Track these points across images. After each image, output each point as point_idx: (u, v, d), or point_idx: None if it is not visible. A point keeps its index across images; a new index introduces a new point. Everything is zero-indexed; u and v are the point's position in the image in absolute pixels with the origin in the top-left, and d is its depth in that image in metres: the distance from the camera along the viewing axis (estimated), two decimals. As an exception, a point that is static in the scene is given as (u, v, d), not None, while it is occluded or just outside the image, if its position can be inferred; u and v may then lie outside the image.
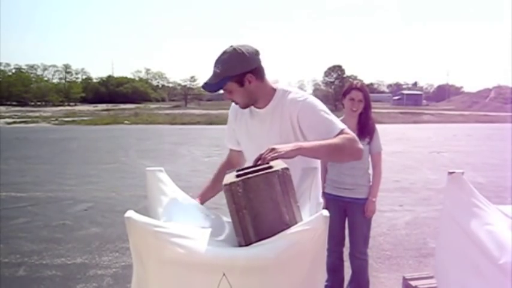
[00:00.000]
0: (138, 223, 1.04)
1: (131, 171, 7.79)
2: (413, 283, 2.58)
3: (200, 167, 8.16)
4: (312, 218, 1.09)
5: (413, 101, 61.57)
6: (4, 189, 6.20)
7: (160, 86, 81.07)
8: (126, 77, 72.12)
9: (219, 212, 1.52)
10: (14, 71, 58.17)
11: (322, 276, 1.37)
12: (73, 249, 3.85)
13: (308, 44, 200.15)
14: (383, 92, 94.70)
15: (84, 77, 67.63)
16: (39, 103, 49.02)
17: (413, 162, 9.05)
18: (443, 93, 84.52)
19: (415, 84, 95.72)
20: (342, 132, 1.49)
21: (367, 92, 2.62)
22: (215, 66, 1.50)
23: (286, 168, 1.14)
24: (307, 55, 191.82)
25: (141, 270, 1.12)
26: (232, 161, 1.89)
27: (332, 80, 41.96)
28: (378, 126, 2.70)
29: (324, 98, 40.71)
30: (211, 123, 21.44)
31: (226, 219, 1.36)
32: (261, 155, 1.31)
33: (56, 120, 23.21)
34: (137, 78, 76.88)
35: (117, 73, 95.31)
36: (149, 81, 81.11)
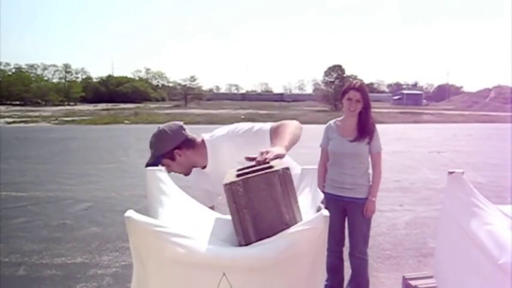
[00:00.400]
0: (138, 223, 1.04)
1: (131, 170, 7.79)
2: (413, 283, 2.59)
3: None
4: (312, 217, 1.09)
5: (413, 101, 61.52)
6: (4, 188, 6.20)
7: (160, 85, 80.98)
8: (126, 77, 71.99)
9: (218, 212, 1.52)
10: (14, 70, 57.98)
11: (322, 275, 1.37)
12: (73, 248, 3.85)
13: (308, 43, 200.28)
14: (383, 92, 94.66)
15: (84, 76, 67.51)
16: (39, 103, 48.93)
17: (413, 162, 9.06)
18: (444, 93, 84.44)
19: (415, 84, 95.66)
20: (272, 127, 1.65)
21: (365, 91, 2.61)
22: (150, 147, 1.74)
23: (287, 168, 1.14)
24: (307, 55, 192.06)
25: (141, 270, 1.12)
26: None
27: (332, 79, 41.84)
28: (378, 126, 2.70)
29: (324, 98, 40.95)
30: (211, 123, 21.41)
31: (226, 218, 1.36)
32: (261, 155, 1.31)
33: (56, 119, 23.19)
34: (137, 78, 76.76)
35: (117, 73, 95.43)
36: (149, 80, 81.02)
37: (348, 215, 2.68)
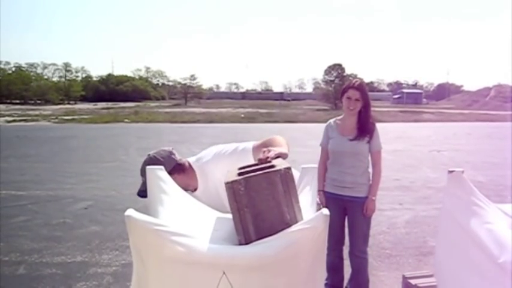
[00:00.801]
0: (138, 221, 1.04)
1: (131, 169, 7.78)
2: (413, 281, 2.59)
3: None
4: (312, 216, 1.09)
5: (413, 100, 61.57)
6: (4, 187, 6.20)
7: (160, 84, 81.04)
8: (126, 76, 71.99)
9: (219, 211, 1.52)
10: (14, 69, 58.05)
11: (322, 274, 1.37)
12: (73, 247, 3.85)
13: (308, 42, 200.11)
14: (383, 91, 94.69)
15: (84, 75, 67.55)
16: (39, 101, 48.87)
17: (413, 161, 9.06)
18: (444, 91, 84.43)
19: (414, 85, 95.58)
20: (255, 144, 1.71)
21: (365, 90, 2.60)
22: (141, 175, 1.72)
23: (289, 168, 1.13)
24: (307, 53, 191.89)
25: (141, 269, 1.12)
26: None
27: (332, 78, 41.85)
28: (378, 125, 2.70)
29: (324, 97, 40.95)
30: (211, 122, 21.44)
31: (227, 217, 1.36)
32: (263, 153, 1.31)
33: (56, 118, 23.19)
34: (137, 77, 76.73)
35: (117, 71, 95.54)
36: (149, 79, 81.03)
37: (348, 214, 2.68)
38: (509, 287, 1.31)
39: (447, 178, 1.64)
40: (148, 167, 1.55)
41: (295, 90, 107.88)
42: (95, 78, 68.19)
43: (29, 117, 23.33)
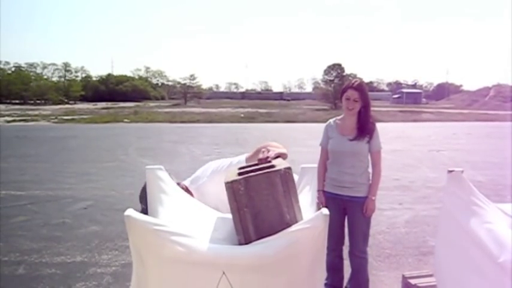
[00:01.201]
0: (138, 221, 1.04)
1: (131, 169, 7.79)
2: (412, 281, 2.59)
3: (200, 166, 8.14)
4: (311, 216, 1.09)
5: (412, 100, 61.56)
6: (4, 187, 6.19)
7: (159, 84, 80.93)
8: (125, 76, 71.92)
9: (218, 210, 1.52)
10: (13, 69, 57.93)
11: (322, 274, 1.37)
12: (73, 247, 3.84)
13: (308, 42, 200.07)
14: (383, 91, 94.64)
15: (83, 75, 67.45)
16: (38, 101, 48.78)
17: (412, 161, 9.05)
18: (443, 91, 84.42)
19: (414, 85, 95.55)
20: (248, 155, 1.72)
21: (364, 90, 2.60)
22: (140, 202, 1.75)
23: (289, 168, 1.13)
24: (307, 53, 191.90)
25: (140, 269, 1.12)
26: None
27: (332, 78, 41.86)
28: (378, 125, 2.69)
29: (324, 97, 40.91)
30: (210, 122, 21.42)
31: (226, 217, 1.36)
32: (262, 153, 1.31)
33: (56, 118, 23.16)
34: (137, 77, 76.68)
35: (117, 71, 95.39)
36: (149, 79, 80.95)
37: (348, 214, 2.67)
38: (509, 287, 1.31)
39: (447, 178, 1.64)
40: (148, 166, 1.55)
41: (295, 90, 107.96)
42: (94, 78, 68.12)
43: (29, 117, 23.30)
